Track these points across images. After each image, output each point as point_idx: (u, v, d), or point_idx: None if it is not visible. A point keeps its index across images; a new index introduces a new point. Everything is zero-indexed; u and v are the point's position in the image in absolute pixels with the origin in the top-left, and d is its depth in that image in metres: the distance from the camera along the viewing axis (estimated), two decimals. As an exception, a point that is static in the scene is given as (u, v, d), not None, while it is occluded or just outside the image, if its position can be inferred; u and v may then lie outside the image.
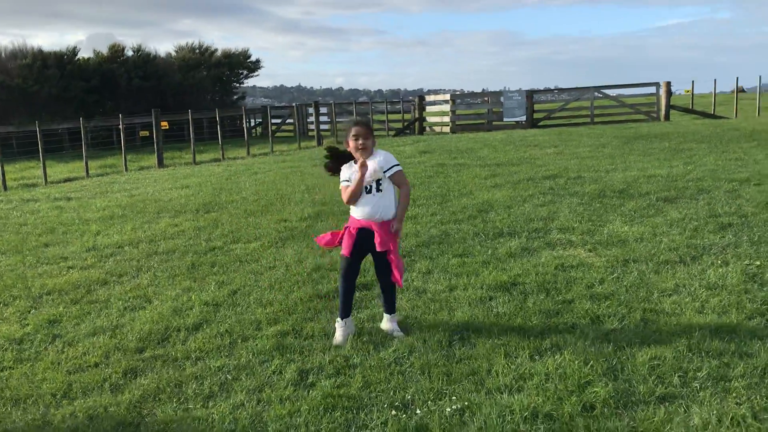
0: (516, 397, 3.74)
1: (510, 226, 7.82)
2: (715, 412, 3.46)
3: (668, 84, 25.81)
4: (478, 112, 29.84)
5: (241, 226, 9.01)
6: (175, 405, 3.99)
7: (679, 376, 3.88)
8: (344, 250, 4.81)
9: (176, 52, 37.96)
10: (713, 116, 26.39)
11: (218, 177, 15.12)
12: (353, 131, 4.71)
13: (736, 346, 4.24)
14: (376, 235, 4.72)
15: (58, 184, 16.37)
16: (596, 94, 27.03)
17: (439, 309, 5.28)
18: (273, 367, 4.40)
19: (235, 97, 40.77)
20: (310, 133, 30.22)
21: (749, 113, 27.71)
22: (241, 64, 39.27)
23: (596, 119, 26.56)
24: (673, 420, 3.43)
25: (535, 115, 27.45)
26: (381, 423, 3.60)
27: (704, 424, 3.37)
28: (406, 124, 29.61)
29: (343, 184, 4.79)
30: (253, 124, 34.80)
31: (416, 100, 29.17)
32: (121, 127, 20.02)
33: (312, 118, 29.20)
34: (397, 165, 4.77)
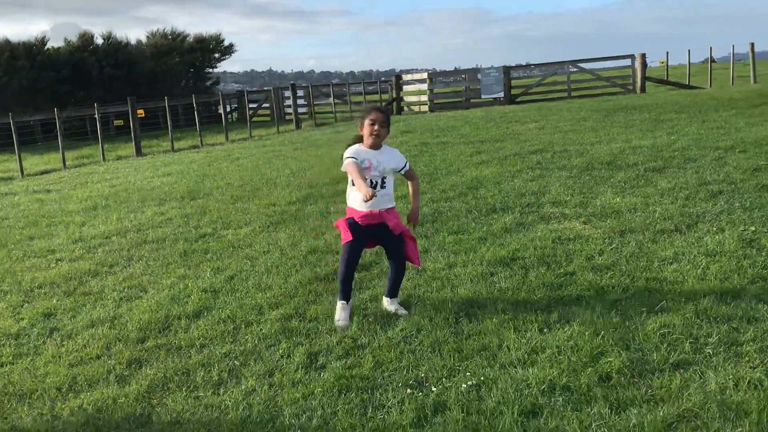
0: (531, 370, 3.73)
1: (502, 202, 7.80)
2: (731, 376, 3.47)
3: (643, 56, 25.91)
4: (455, 90, 29.75)
5: (229, 212, 8.90)
6: (185, 394, 3.93)
7: (690, 343, 3.90)
8: (348, 234, 4.74)
9: (148, 38, 37.30)
10: (688, 87, 26.57)
11: (199, 164, 14.93)
12: (373, 115, 4.64)
13: (743, 311, 4.26)
14: (387, 221, 4.69)
15: (35, 177, 16.07)
16: (572, 68, 27.05)
17: (441, 287, 5.26)
18: (281, 351, 4.34)
19: (209, 82, 40.22)
20: (288, 117, 29.91)
21: (722, 83, 27.94)
22: (214, 48, 38.72)
23: (573, 93, 26.60)
24: (689, 386, 3.44)
25: (513, 91, 27.42)
26: (398, 402, 3.58)
27: (721, 389, 3.38)
28: (384, 104, 29.47)
29: (349, 161, 4.63)
30: (229, 109, 34.39)
31: (393, 80, 28.99)
32: (97, 116, 19.67)
33: (288, 102, 28.92)
34: (406, 162, 4.87)
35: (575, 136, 12.76)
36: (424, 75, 28.16)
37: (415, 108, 28.02)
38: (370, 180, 4.60)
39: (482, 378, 3.72)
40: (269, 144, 18.45)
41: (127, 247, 7.51)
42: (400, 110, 28.49)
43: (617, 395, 3.41)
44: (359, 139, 4.74)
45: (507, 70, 27.27)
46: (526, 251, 5.91)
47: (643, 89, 25.81)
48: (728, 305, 4.37)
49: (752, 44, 26.59)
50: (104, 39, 34.09)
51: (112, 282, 6.27)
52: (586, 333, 4.11)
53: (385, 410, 3.52)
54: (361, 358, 4.13)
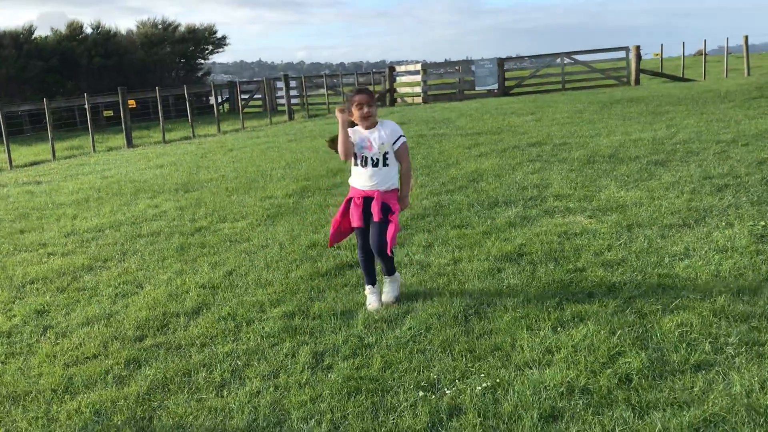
0: (547, 371, 3.59)
1: (504, 195, 7.67)
2: (756, 378, 3.35)
3: (638, 48, 25.82)
4: (448, 81, 29.55)
5: (225, 204, 8.73)
6: (186, 395, 3.77)
7: (710, 343, 3.77)
8: (355, 222, 4.66)
9: (138, 28, 36.86)
10: (683, 79, 26.53)
11: (192, 155, 14.71)
12: (357, 99, 4.57)
13: (761, 309, 4.14)
14: (374, 203, 4.61)
15: (24, 168, 15.78)
16: (566, 60, 26.92)
17: (448, 283, 5.11)
18: (285, 351, 4.19)
19: (200, 73, 39.82)
20: (280, 108, 29.65)
21: (717, 75, 27.90)
22: (206, 39, 38.29)
23: (567, 85, 26.49)
24: (713, 389, 3.31)
25: (507, 83, 27.28)
26: (410, 405, 3.43)
27: (747, 392, 3.26)
28: (377, 95, 29.21)
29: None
30: (220, 100, 34.06)
31: (387, 71, 28.78)
32: (87, 106, 19.35)
33: (281, 93, 28.63)
34: (403, 136, 4.69)
35: (573, 128, 12.64)
36: (418, 66, 27.94)
37: (409, 99, 27.82)
38: (371, 158, 4.58)
39: (497, 380, 3.58)
40: (262, 135, 18.24)
41: (121, 241, 7.32)
42: (393, 101, 28.29)
43: (639, 398, 3.28)
44: (351, 125, 4.69)
45: (501, 62, 27.11)
46: (532, 246, 5.77)
47: (637, 81, 25.74)
48: (745, 303, 4.25)
49: (746, 37, 26.55)
50: (93, 29, 33.66)
51: (107, 277, 6.09)
52: (602, 332, 3.98)
53: (397, 414, 3.38)
54: (369, 359, 3.98)
